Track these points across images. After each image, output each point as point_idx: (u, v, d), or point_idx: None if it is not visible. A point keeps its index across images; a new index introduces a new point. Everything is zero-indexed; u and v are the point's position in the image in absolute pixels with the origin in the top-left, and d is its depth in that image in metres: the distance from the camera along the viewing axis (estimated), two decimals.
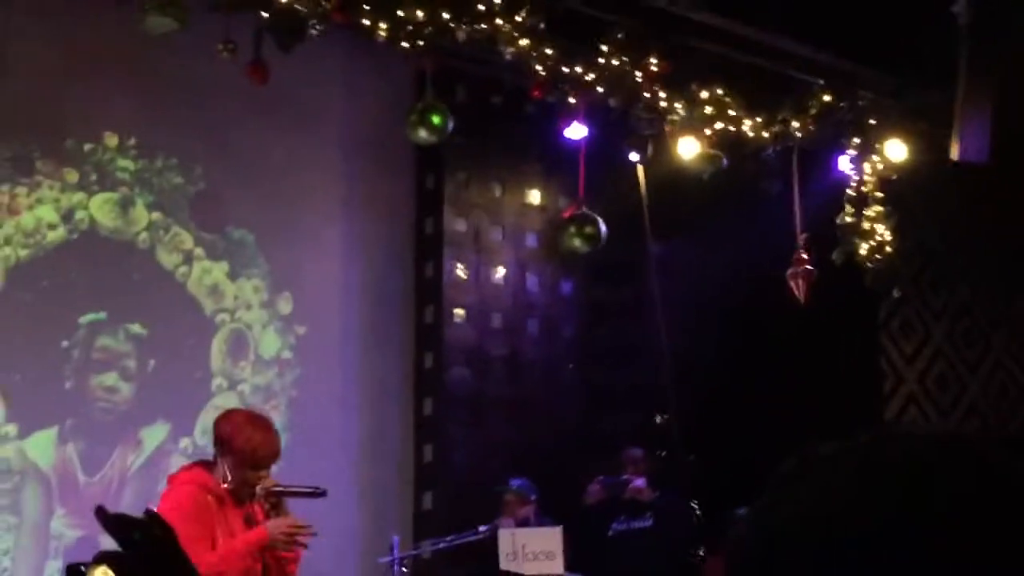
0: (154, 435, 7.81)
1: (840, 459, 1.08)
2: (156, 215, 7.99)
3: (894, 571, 0.99)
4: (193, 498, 4.76)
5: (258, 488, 4.91)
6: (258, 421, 5.07)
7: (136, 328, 7.80)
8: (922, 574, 0.99)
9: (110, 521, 1.90)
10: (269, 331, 8.40)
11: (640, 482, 8.16)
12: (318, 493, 5.14)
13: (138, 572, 1.88)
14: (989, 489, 1.01)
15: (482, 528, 7.43)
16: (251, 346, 8.31)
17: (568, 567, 7.39)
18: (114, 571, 1.90)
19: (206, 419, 7.94)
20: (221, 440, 4.92)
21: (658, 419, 9.01)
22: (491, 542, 7.34)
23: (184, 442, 7.87)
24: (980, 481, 1.02)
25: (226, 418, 5.08)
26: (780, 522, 1.06)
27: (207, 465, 4.97)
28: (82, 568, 2.11)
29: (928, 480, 1.01)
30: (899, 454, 1.05)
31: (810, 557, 1.02)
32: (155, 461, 7.74)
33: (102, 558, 1.92)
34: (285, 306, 8.48)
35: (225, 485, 4.83)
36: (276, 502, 4.95)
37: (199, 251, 8.15)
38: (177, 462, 7.76)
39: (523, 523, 7.74)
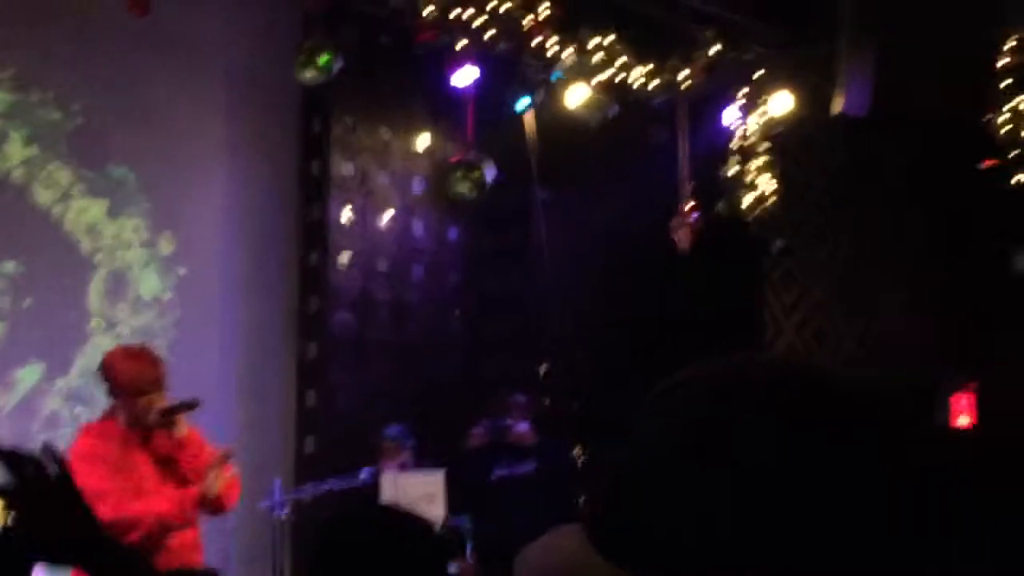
0: (28, 376, 7.70)
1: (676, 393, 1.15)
2: (32, 150, 7.83)
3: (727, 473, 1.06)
4: (89, 447, 4.92)
5: (152, 415, 5.03)
6: (131, 350, 5.29)
7: (10, 266, 7.66)
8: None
9: (3, 455, 1.92)
10: (149, 271, 8.32)
11: (523, 426, 8.24)
12: (189, 406, 5.19)
13: (31, 505, 1.89)
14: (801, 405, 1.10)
15: (364, 472, 7.48)
16: (130, 286, 8.22)
17: (451, 510, 7.49)
18: (6, 504, 1.90)
19: (83, 361, 7.87)
20: (106, 381, 5.06)
21: (543, 368, 9.13)
22: (373, 486, 7.40)
23: (59, 383, 7.77)
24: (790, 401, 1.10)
25: (105, 359, 5.17)
26: (642, 442, 1.13)
27: (109, 414, 5.11)
28: None
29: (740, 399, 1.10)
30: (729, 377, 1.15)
31: (658, 472, 1.10)
32: (29, 402, 7.64)
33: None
34: (166, 246, 8.39)
35: (121, 423, 4.97)
36: (169, 421, 5.08)
37: (77, 188, 8.02)
38: (52, 403, 7.69)
39: (401, 468, 7.79)
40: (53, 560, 1.90)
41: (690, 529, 1.06)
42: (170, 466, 5.11)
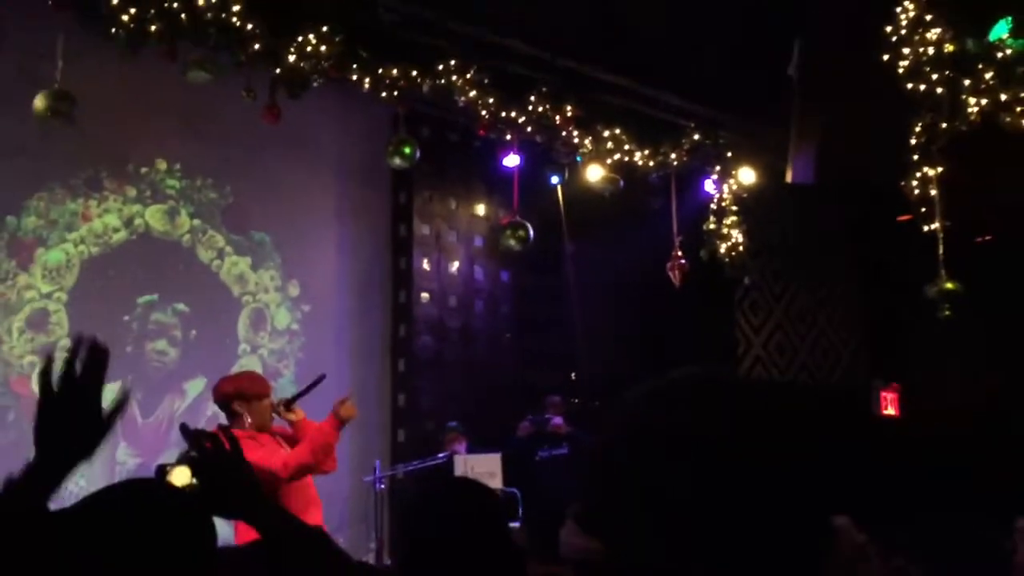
0: (195, 387, 7.75)
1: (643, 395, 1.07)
2: (196, 221, 7.92)
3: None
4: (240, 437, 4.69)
5: (276, 408, 4.84)
6: (234, 373, 5.29)
7: (181, 307, 7.74)
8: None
9: (189, 434, 1.86)
10: (282, 309, 8.36)
11: (559, 420, 8.19)
12: (319, 380, 4.96)
13: (211, 473, 1.82)
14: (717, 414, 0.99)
15: (440, 455, 7.45)
16: (268, 320, 8.27)
17: (506, 483, 7.44)
18: (192, 471, 1.83)
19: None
20: (229, 398, 4.70)
21: (573, 376, 9.08)
22: (447, 465, 7.37)
23: None
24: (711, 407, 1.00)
25: (221, 386, 4.81)
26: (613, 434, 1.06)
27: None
28: (167, 467, 2.02)
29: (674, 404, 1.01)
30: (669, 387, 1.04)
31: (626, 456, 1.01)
32: (195, 406, 7.68)
33: (183, 460, 1.87)
34: (294, 290, 8.44)
35: (249, 426, 4.67)
36: (289, 409, 4.88)
37: (229, 249, 8.10)
38: (212, 407, 7.71)
39: (457, 452, 7.74)
40: (228, 517, 1.82)
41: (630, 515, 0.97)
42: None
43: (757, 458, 0.96)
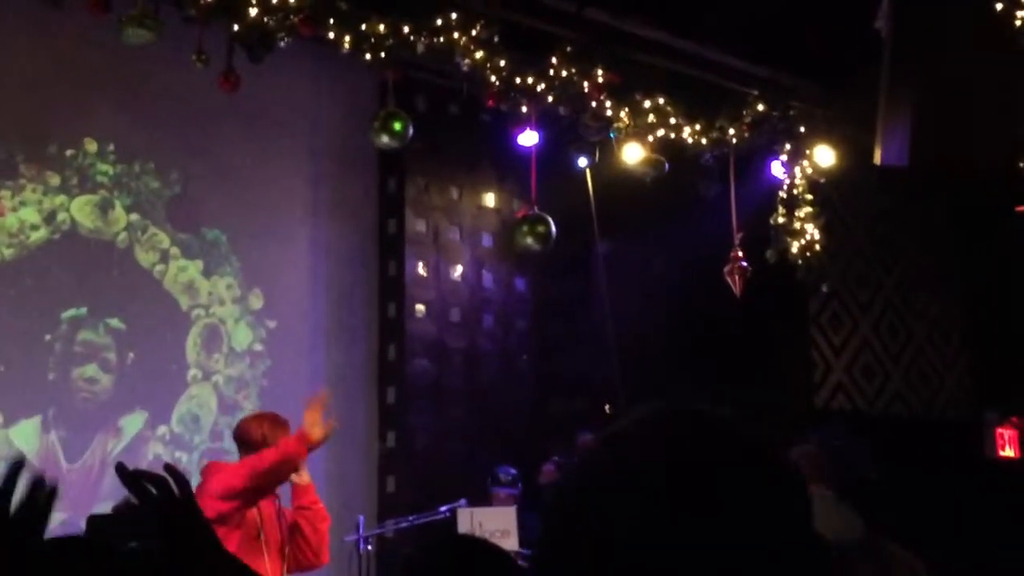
0: (133, 423, 7.78)
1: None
2: (134, 216, 7.96)
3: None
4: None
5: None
6: (261, 413, 5.80)
7: (115, 322, 7.77)
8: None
9: (128, 476, 1.79)
10: (241, 325, 8.39)
11: None
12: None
13: (158, 525, 1.77)
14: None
15: (443, 508, 7.45)
16: (224, 339, 8.30)
17: (523, 544, 7.43)
18: (132, 524, 1.80)
19: (182, 408, 7.94)
20: (243, 440, 5.32)
21: (608, 408, 9.08)
22: (451, 521, 7.37)
23: (161, 430, 7.85)
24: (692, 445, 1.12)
25: (241, 424, 5.52)
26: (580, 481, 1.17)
27: None
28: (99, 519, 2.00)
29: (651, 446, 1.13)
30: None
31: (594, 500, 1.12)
32: (134, 448, 7.71)
33: (121, 511, 1.83)
34: (256, 302, 8.47)
35: None
36: (295, 469, 5.29)
37: (175, 250, 8.13)
38: (155, 449, 7.76)
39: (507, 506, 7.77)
40: None
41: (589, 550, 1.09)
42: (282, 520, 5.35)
43: (704, 509, 1.07)
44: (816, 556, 1.09)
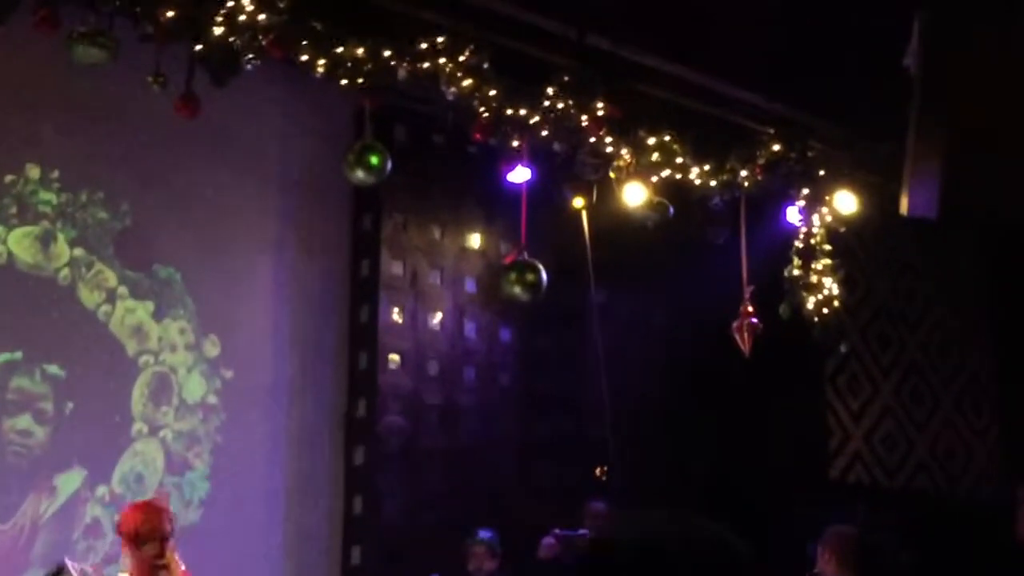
0: (69, 482, 7.70)
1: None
2: (78, 251, 7.91)
3: None
4: None
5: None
6: (139, 503, 5.95)
7: (54, 369, 7.71)
8: None
9: None
10: (194, 375, 8.34)
11: None
12: None
13: None
14: None
15: None
16: (175, 390, 8.24)
17: None
18: None
19: (125, 465, 7.87)
20: (124, 537, 5.52)
21: (598, 472, 9.05)
22: None
23: (101, 490, 7.77)
24: None
25: (121, 513, 5.76)
26: None
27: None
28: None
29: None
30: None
31: None
32: (69, 509, 7.63)
33: None
34: (212, 349, 8.42)
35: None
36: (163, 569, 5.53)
37: (123, 290, 8.08)
38: (92, 511, 7.68)
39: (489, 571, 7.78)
40: None
41: None
42: None
43: None
44: None
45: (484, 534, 8.14)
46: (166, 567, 5.49)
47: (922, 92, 7.32)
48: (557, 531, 8.25)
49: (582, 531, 8.23)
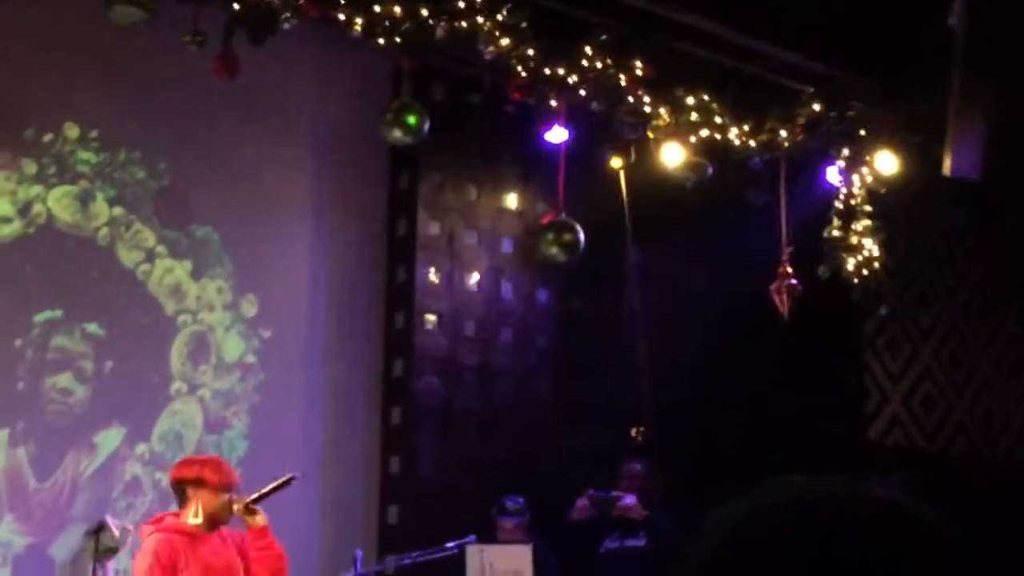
0: (109, 440, 7.78)
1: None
2: (117, 210, 7.95)
3: None
4: (160, 543, 5.82)
5: (235, 507, 5.98)
6: (203, 456, 6.75)
7: (93, 328, 7.77)
8: None
9: None
10: (232, 334, 8.38)
11: (630, 499, 8.19)
12: (288, 481, 6.15)
13: None
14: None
15: (450, 544, 7.43)
16: (213, 349, 8.28)
17: None
18: None
19: (164, 424, 7.94)
20: (185, 482, 5.97)
21: (634, 433, 9.07)
22: (459, 559, 7.34)
23: (140, 448, 7.84)
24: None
25: (179, 465, 6.28)
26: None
27: (175, 514, 6.06)
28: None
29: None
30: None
31: None
32: (109, 467, 7.71)
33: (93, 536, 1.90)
34: (249, 308, 8.46)
35: (197, 521, 5.88)
36: (252, 511, 6.01)
37: (161, 249, 8.12)
38: (132, 469, 7.75)
39: (519, 541, 7.81)
40: None
41: None
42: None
43: None
44: None
45: (511, 503, 8.14)
46: (253, 511, 5.96)
47: (966, 52, 7.26)
48: (591, 492, 8.28)
49: (615, 493, 8.26)
